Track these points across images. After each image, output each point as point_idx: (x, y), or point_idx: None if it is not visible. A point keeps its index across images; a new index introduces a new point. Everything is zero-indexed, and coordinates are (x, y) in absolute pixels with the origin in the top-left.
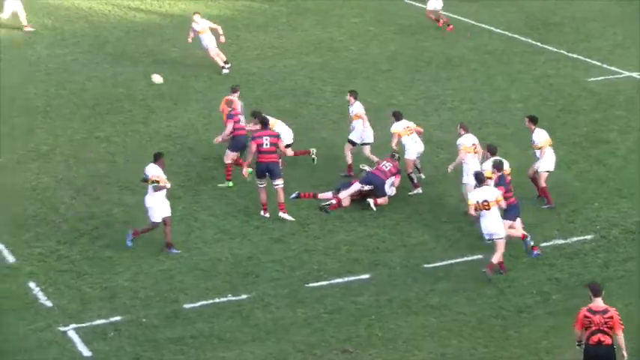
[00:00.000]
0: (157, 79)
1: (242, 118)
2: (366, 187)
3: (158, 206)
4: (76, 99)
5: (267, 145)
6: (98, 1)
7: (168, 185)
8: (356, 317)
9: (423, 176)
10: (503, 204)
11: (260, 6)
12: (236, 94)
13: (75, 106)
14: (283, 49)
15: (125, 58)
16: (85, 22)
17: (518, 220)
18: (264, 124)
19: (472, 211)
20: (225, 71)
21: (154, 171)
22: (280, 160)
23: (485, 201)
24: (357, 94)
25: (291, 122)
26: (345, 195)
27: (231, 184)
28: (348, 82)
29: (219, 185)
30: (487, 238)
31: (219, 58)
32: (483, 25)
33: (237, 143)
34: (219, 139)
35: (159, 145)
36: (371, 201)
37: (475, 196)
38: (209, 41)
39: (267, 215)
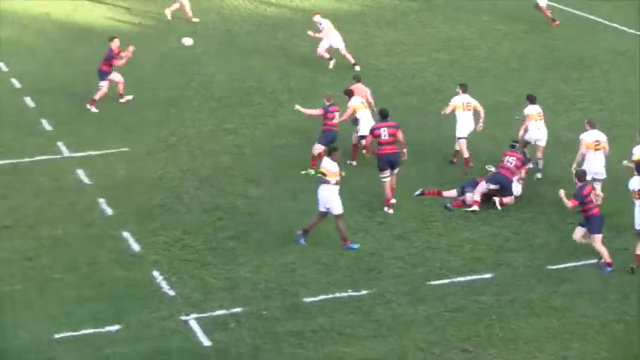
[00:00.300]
0: (187, 41)
1: (337, 115)
2: (492, 187)
3: (334, 198)
4: (204, 91)
5: (385, 136)
6: None
7: (333, 181)
8: (477, 316)
9: (539, 176)
10: None
11: (390, 2)
12: (359, 84)
13: (203, 98)
14: (412, 46)
15: (255, 52)
16: (217, 14)
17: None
18: (384, 115)
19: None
20: (357, 67)
21: (325, 163)
22: (404, 151)
23: None
24: (466, 87)
25: (420, 119)
26: (478, 196)
27: (312, 172)
28: (478, 80)
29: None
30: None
31: (348, 55)
32: (616, 26)
33: (327, 137)
34: (298, 107)
35: (286, 139)
36: (497, 200)
37: (632, 184)
38: (335, 40)
39: (391, 212)
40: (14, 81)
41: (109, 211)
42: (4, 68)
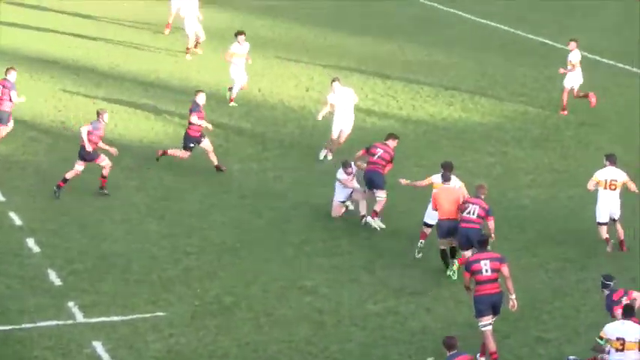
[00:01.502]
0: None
1: (475, 209)
2: None
3: None
4: (275, 230)
5: (487, 271)
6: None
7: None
8: None
9: None
10: None
11: (538, 113)
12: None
13: (273, 242)
14: (569, 174)
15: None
16: (297, 126)
17: None
18: (482, 243)
19: None
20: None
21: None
22: (512, 292)
23: None
24: (615, 158)
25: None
26: None
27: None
28: None
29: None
30: None
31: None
32: None
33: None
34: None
35: (387, 301)
36: None
37: None
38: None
39: None
40: (13, 216)
41: None
42: (0, 197)
